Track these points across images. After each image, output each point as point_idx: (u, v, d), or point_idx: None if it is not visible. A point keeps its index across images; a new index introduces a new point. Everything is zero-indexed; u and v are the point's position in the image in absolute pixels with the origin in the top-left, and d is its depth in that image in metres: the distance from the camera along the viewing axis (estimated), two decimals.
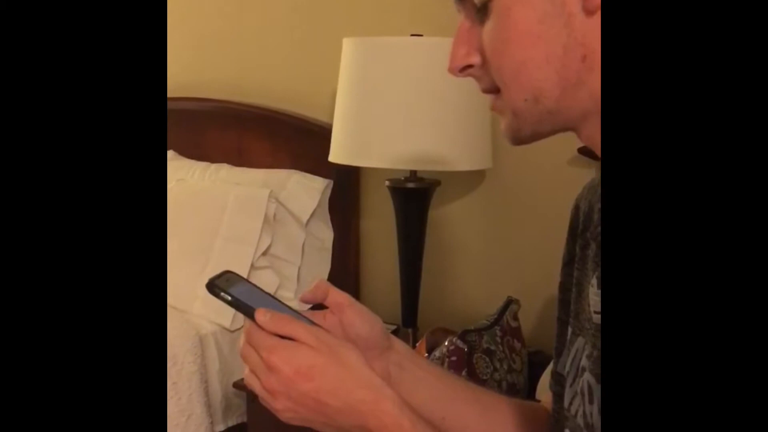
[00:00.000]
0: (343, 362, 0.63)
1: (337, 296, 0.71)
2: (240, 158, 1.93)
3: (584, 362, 0.63)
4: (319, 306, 0.72)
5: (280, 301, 0.68)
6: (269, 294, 0.69)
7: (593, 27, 0.54)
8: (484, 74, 0.60)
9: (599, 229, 0.61)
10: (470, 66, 0.61)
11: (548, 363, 1.35)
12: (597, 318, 0.61)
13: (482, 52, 0.60)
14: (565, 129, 0.60)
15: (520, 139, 0.61)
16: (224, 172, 1.90)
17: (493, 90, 0.61)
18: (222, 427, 1.64)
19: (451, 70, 0.62)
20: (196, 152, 2.01)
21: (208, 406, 1.58)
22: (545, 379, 1.33)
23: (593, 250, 0.63)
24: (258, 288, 0.69)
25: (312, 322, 0.67)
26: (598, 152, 0.60)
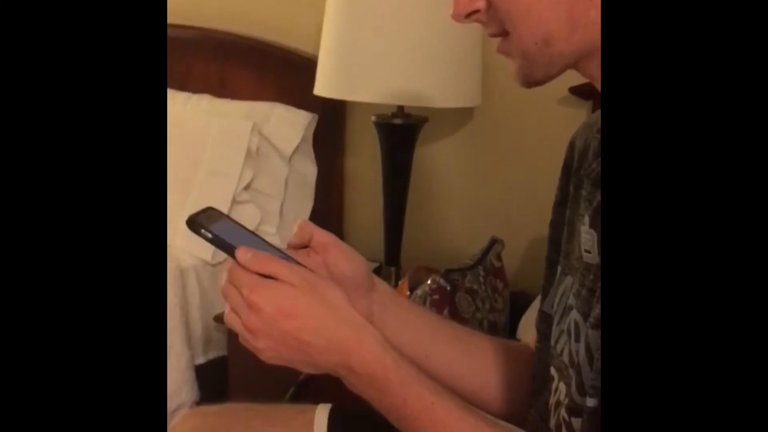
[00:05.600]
0: (325, 301, 0.63)
1: (322, 236, 0.71)
2: (222, 89, 1.88)
3: (571, 300, 0.62)
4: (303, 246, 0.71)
5: (262, 239, 0.67)
6: (252, 232, 0.68)
7: None
8: (491, 18, 0.59)
9: (594, 166, 0.60)
10: (476, 11, 0.59)
11: (530, 303, 1.36)
12: (587, 257, 0.61)
13: None
14: (572, 67, 0.59)
15: (532, 82, 0.60)
16: (206, 103, 1.86)
17: (501, 33, 0.59)
18: (202, 360, 1.64)
19: (456, 17, 0.60)
20: (176, 82, 1.95)
21: (188, 338, 1.58)
22: (527, 318, 1.34)
23: (587, 188, 0.62)
24: (240, 225, 0.68)
25: (295, 261, 0.66)
26: (598, 86, 0.59)
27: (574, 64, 0.59)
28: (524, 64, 0.59)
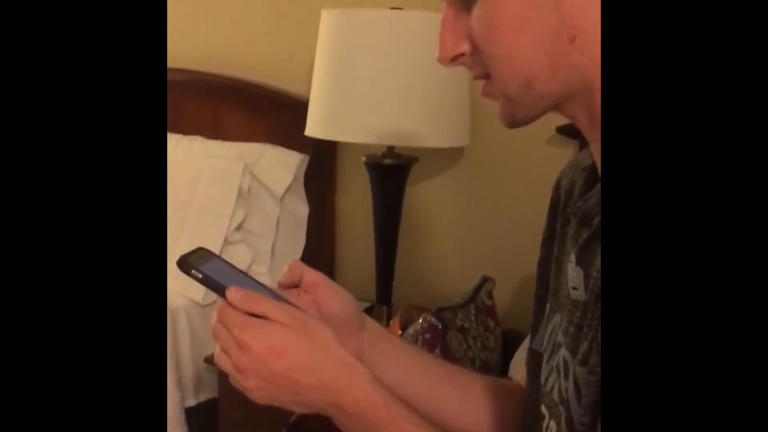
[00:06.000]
0: (315, 340, 0.63)
1: (312, 275, 0.71)
2: (215, 131, 1.90)
3: (560, 338, 0.63)
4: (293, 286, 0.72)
5: (253, 279, 0.68)
6: (242, 272, 0.68)
7: (581, 7, 0.54)
8: (475, 62, 0.60)
9: (579, 204, 0.61)
10: (461, 55, 0.60)
11: (521, 342, 1.36)
12: (574, 294, 0.61)
13: (471, 40, 0.59)
14: (553, 109, 0.60)
15: (515, 123, 0.61)
16: (198, 144, 1.87)
17: (485, 76, 0.60)
18: (193, 402, 1.63)
19: (441, 61, 0.61)
20: (169, 124, 1.97)
21: (179, 381, 1.57)
22: (519, 357, 1.33)
23: (573, 227, 0.63)
24: (231, 265, 0.68)
25: (285, 300, 0.66)
26: (580, 127, 0.60)
27: (555, 107, 0.60)
28: (507, 105, 0.60)
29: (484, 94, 0.62)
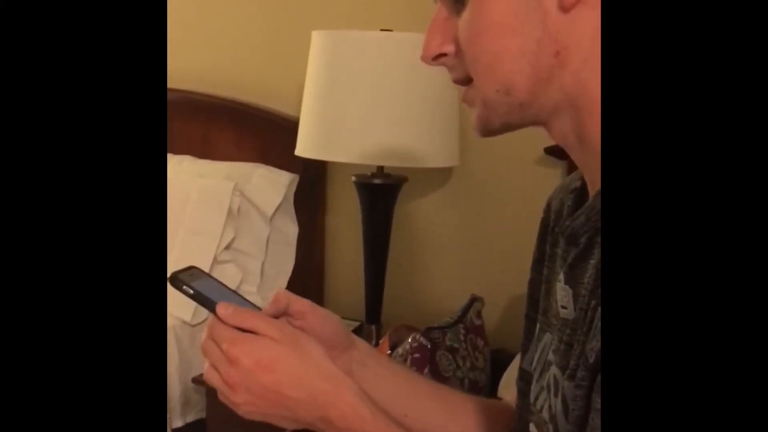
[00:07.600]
0: (304, 354, 0.63)
1: (299, 304, 0.71)
2: (204, 150, 1.91)
3: (550, 357, 0.63)
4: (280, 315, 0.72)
5: (243, 297, 0.68)
6: (233, 290, 0.69)
7: (568, 24, 0.55)
8: (457, 64, 0.60)
9: (567, 223, 0.61)
10: (443, 55, 0.60)
11: (510, 361, 1.36)
12: (563, 312, 0.61)
13: (456, 42, 0.59)
14: (534, 123, 0.60)
15: (489, 130, 0.61)
16: (188, 163, 1.88)
17: (465, 81, 0.61)
18: (180, 423, 1.61)
19: (424, 59, 0.61)
20: None
21: (167, 401, 1.56)
22: (507, 377, 1.33)
23: (562, 246, 0.63)
24: (221, 284, 0.69)
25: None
26: (567, 147, 0.60)
27: (538, 121, 0.60)
28: (484, 111, 0.60)
29: (463, 99, 0.62)
